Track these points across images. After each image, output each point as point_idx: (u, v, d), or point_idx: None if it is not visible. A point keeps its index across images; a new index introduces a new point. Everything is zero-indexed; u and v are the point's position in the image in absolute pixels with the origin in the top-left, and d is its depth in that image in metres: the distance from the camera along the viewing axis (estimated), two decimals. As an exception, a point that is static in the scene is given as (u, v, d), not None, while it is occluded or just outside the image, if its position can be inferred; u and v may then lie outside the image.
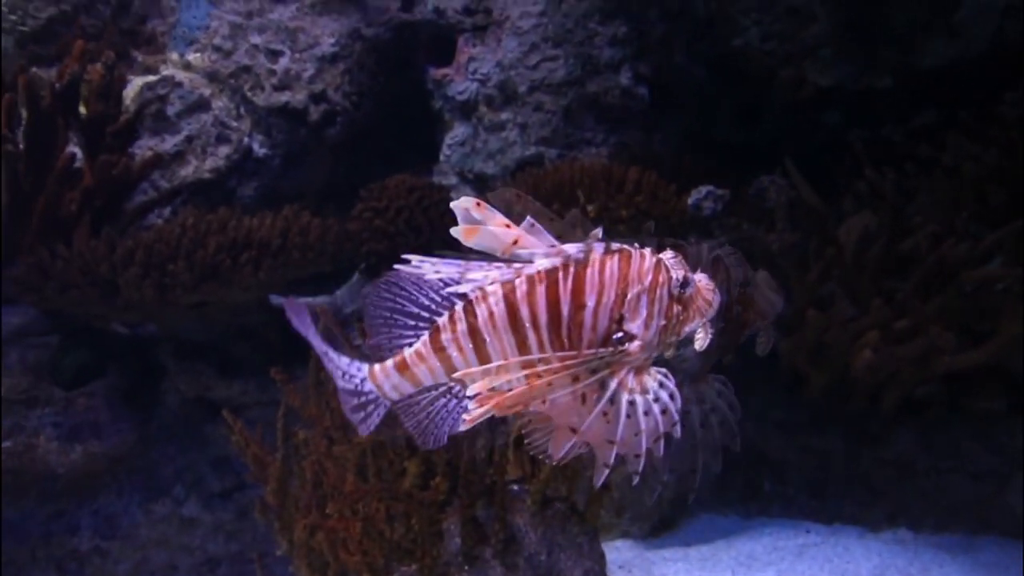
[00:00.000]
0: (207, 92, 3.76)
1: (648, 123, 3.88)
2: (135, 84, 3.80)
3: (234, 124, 3.74)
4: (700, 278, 1.45)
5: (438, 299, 1.49)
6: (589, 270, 1.38)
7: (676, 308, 1.42)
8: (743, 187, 3.93)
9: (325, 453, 2.17)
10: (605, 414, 1.38)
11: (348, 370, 1.58)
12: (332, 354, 1.61)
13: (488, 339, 1.42)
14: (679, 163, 3.90)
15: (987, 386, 3.58)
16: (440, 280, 1.42)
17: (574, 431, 1.39)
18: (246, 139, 3.74)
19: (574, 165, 3.14)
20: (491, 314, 1.41)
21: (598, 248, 1.40)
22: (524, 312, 1.40)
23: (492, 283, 1.40)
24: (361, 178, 3.90)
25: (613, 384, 1.38)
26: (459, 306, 1.43)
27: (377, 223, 3.34)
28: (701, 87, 4.14)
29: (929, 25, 4.23)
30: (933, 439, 3.61)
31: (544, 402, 1.38)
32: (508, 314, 1.40)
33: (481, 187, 3.71)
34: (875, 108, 4.30)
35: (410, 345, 1.49)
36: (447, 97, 3.78)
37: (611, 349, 1.38)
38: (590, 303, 1.38)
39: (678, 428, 1.38)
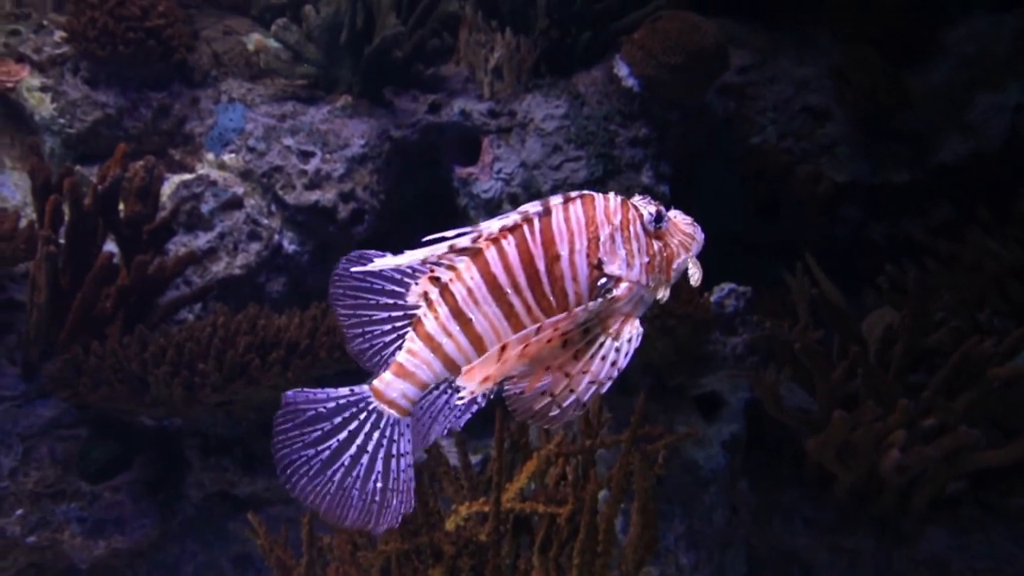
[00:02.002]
0: (240, 191, 3.88)
1: (669, 220, 3.93)
2: (172, 182, 3.93)
3: (265, 221, 3.85)
4: (675, 213, 1.42)
5: (402, 287, 1.39)
6: (554, 219, 1.33)
7: (656, 244, 1.37)
8: (764, 283, 3.97)
9: (349, 559, 2.16)
10: (577, 354, 1.31)
11: (341, 402, 1.43)
12: (321, 394, 1.46)
13: (473, 316, 1.34)
14: (700, 259, 3.94)
15: (1020, 483, 3.52)
16: (399, 268, 1.34)
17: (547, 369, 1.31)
18: (276, 236, 3.84)
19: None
20: (469, 290, 1.34)
21: (555, 198, 1.35)
22: (502, 278, 1.33)
23: (457, 252, 1.33)
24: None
25: (605, 341, 1.32)
26: (435, 293, 1.36)
27: (403, 320, 3.39)
28: (721, 183, 4.23)
29: (943, 123, 4.33)
30: (967, 539, 3.53)
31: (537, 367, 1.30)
32: (487, 284, 1.33)
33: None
34: (893, 203, 4.36)
35: (391, 342, 1.42)
36: (472, 195, 3.88)
37: (600, 300, 1.32)
38: (563, 252, 1.33)
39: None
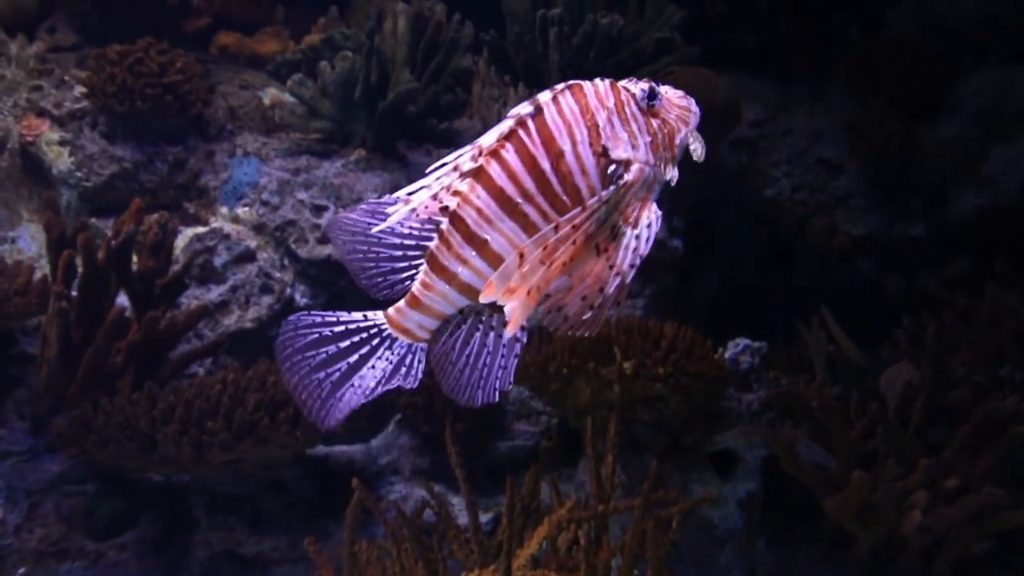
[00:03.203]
0: (253, 244, 3.89)
1: (683, 273, 3.92)
2: (186, 235, 3.95)
3: (277, 275, 3.85)
4: (665, 89, 1.36)
5: (413, 223, 1.34)
6: (547, 116, 1.28)
7: (654, 122, 1.32)
8: (781, 335, 3.92)
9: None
10: (601, 249, 1.26)
11: (359, 326, 1.39)
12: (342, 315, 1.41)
13: (489, 237, 1.29)
14: (714, 313, 3.92)
15: (1047, 544, 3.42)
16: (405, 196, 1.29)
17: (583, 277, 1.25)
18: (289, 289, 3.84)
19: (610, 322, 3.16)
20: (479, 211, 1.29)
21: (543, 94, 1.30)
22: (510, 189, 1.27)
23: (459, 175, 1.28)
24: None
25: (626, 229, 1.27)
26: (445, 222, 1.30)
27: (414, 375, 3.36)
28: (735, 236, 4.21)
29: (958, 176, 4.31)
30: (993, 602, 3.42)
31: (567, 272, 1.24)
32: (496, 200, 1.28)
33: (517, 338, 3.74)
34: (909, 256, 4.33)
35: (403, 275, 1.37)
36: (484, 249, 3.87)
37: (612, 188, 1.27)
38: (566, 147, 1.28)
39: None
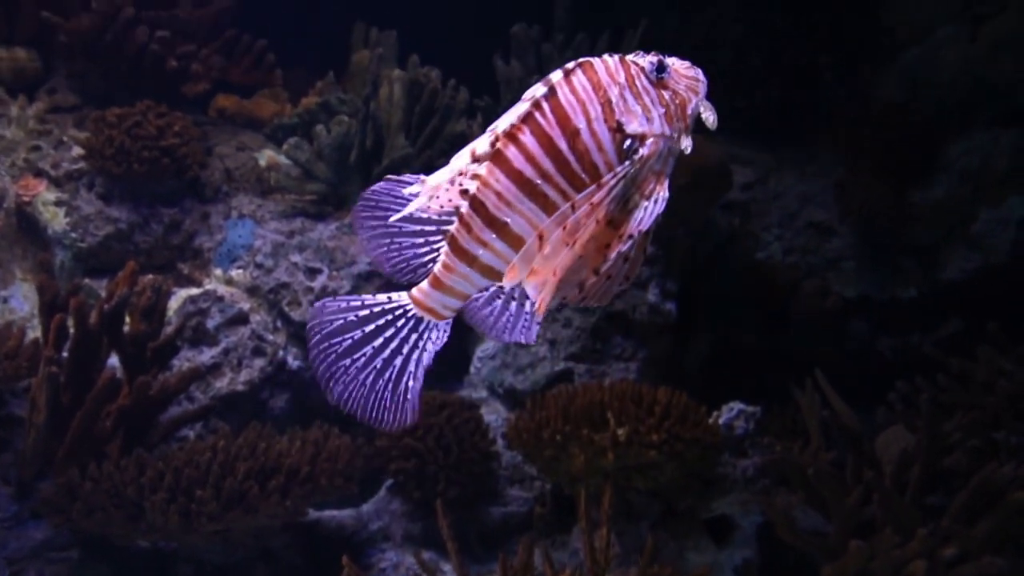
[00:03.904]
0: (246, 306, 3.89)
1: (677, 336, 3.92)
2: (179, 296, 3.95)
3: (270, 337, 3.84)
4: (673, 60, 1.35)
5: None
6: (561, 96, 1.28)
7: (666, 94, 1.32)
8: (775, 396, 3.91)
9: None
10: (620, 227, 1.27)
11: (384, 308, 1.40)
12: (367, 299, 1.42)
13: (509, 219, 1.29)
14: (708, 375, 3.91)
15: (1049, 613, 3.36)
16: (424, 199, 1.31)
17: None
18: (281, 352, 3.83)
19: (603, 387, 3.15)
20: (498, 194, 1.28)
21: (555, 74, 1.29)
22: (528, 171, 1.27)
23: (476, 160, 1.28)
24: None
25: (637, 199, 1.27)
26: (464, 206, 1.30)
27: (406, 441, 3.34)
28: (728, 298, 4.22)
29: (948, 238, 4.35)
30: (996, 673, 3.35)
31: (591, 249, 1.25)
32: (515, 183, 1.28)
33: (511, 401, 3.72)
34: (901, 317, 4.34)
35: (425, 259, 1.38)
36: (478, 311, 3.87)
37: (629, 162, 1.27)
38: (581, 125, 1.27)
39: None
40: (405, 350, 1.41)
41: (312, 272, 3.86)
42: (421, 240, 1.39)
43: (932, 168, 4.44)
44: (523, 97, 1.27)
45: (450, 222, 1.35)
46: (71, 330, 3.28)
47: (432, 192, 1.31)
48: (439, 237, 1.37)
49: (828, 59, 4.82)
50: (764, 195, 4.39)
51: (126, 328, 3.40)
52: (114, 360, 3.43)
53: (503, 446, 3.54)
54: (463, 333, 4.06)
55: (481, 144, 1.28)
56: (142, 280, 3.65)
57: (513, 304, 1.40)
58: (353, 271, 3.88)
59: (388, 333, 1.42)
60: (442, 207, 1.33)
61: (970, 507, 3.21)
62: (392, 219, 1.37)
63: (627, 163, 1.27)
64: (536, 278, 1.25)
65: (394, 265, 1.43)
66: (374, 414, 1.45)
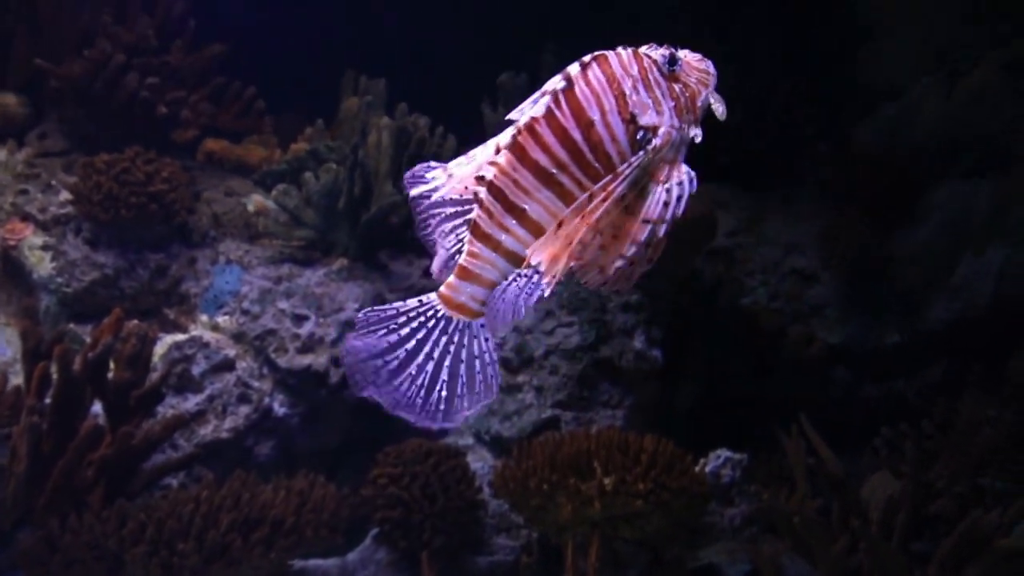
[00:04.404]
0: (232, 353, 3.88)
1: (663, 383, 3.94)
2: (165, 342, 3.93)
3: (256, 384, 3.83)
4: (684, 53, 1.40)
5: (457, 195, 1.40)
6: (577, 88, 1.33)
7: (676, 86, 1.37)
8: (762, 441, 3.91)
9: None
10: (635, 211, 1.32)
11: (414, 312, 1.42)
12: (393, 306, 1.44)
13: (527, 206, 1.35)
14: (695, 421, 3.92)
15: (1037, 661, 3.35)
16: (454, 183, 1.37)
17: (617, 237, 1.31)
18: (267, 399, 3.81)
19: (590, 435, 3.15)
20: (515, 181, 1.34)
21: (572, 67, 1.35)
22: (544, 160, 1.33)
23: (499, 152, 1.34)
24: (379, 433, 3.91)
25: (658, 188, 1.32)
26: (484, 192, 1.36)
27: (392, 490, 3.32)
28: (714, 345, 4.25)
29: (930, 285, 4.41)
30: None
31: (603, 234, 1.31)
32: (531, 171, 1.34)
33: (498, 449, 3.71)
34: (885, 363, 4.38)
35: (452, 250, 1.42)
36: (465, 358, 3.88)
37: (642, 153, 1.32)
38: (595, 116, 1.33)
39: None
40: (436, 354, 1.44)
41: (299, 319, 3.86)
42: (449, 226, 1.44)
43: (913, 217, 4.53)
44: (542, 89, 1.34)
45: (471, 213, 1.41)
46: (54, 376, 3.26)
47: (458, 183, 1.39)
48: (465, 227, 1.43)
49: (810, 112, 4.93)
50: (749, 242, 4.44)
51: (110, 375, 3.38)
52: (98, 407, 3.40)
53: (489, 494, 3.52)
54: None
55: (504, 139, 1.36)
56: (127, 326, 3.63)
57: (522, 280, 1.41)
58: (340, 318, 3.88)
59: (420, 336, 1.44)
60: (461, 194, 1.40)
61: (956, 554, 3.21)
62: (412, 192, 1.42)
63: (640, 153, 1.33)
64: (555, 260, 1.32)
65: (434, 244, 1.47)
66: (416, 416, 1.48)
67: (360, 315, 1.47)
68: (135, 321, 3.87)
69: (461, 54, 5.11)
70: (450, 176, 1.39)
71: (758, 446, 3.90)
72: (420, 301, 1.45)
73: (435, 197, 1.41)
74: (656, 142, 1.33)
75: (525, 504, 3.12)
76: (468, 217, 1.40)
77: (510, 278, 1.39)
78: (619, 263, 1.34)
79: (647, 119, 1.34)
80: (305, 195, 4.08)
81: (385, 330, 1.44)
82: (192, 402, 3.76)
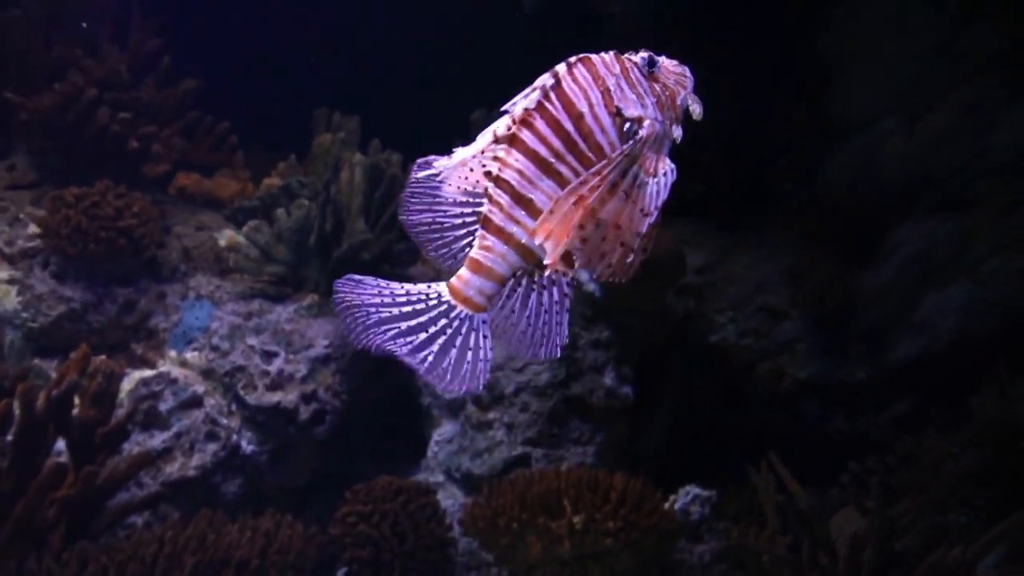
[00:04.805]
0: (201, 389, 3.84)
1: (634, 419, 3.95)
2: (132, 378, 3.89)
3: (224, 421, 3.79)
4: (663, 58, 1.52)
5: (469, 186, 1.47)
6: (565, 85, 1.44)
7: (656, 86, 1.49)
8: (733, 475, 3.93)
9: None
10: (631, 197, 1.42)
11: (419, 297, 1.47)
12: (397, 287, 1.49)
13: (533, 196, 1.44)
14: (666, 458, 3.93)
15: None
16: (459, 163, 1.45)
17: (619, 226, 1.40)
18: (235, 436, 3.77)
19: (560, 473, 3.16)
20: (520, 172, 1.44)
21: (560, 67, 1.45)
22: (543, 151, 1.43)
23: (497, 142, 1.44)
24: (348, 470, 3.88)
25: (641, 175, 1.43)
26: (491, 186, 1.45)
27: (361, 528, 3.29)
28: (684, 381, 4.28)
29: (894, 322, 4.48)
30: None
31: (603, 225, 1.40)
32: (533, 162, 1.44)
33: (468, 486, 3.69)
34: (852, 399, 4.43)
35: (463, 242, 1.49)
36: (435, 395, 3.88)
37: (631, 143, 1.43)
38: (584, 109, 1.44)
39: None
40: (432, 330, 1.48)
41: (269, 355, 3.84)
42: (459, 221, 1.52)
43: (878, 254, 4.60)
44: (532, 86, 1.44)
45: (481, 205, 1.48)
46: (16, 413, 3.21)
47: (460, 164, 1.46)
48: (474, 220, 1.50)
49: (780, 146, 5.02)
50: (718, 279, 4.50)
51: (75, 412, 3.33)
52: (61, 444, 3.35)
53: (460, 532, 3.50)
54: (420, 418, 4.04)
55: (500, 127, 1.46)
56: (94, 362, 3.59)
57: (542, 294, 1.49)
58: (310, 354, 3.87)
59: (423, 319, 1.49)
60: (468, 188, 1.48)
61: (923, 592, 3.24)
62: (417, 175, 1.50)
63: (629, 143, 1.45)
64: (554, 237, 1.40)
65: (436, 248, 1.54)
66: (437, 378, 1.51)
67: (350, 278, 1.51)
68: (102, 357, 3.83)
69: (435, 91, 5.16)
70: (453, 159, 1.47)
71: (729, 480, 3.92)
72: (429, 287, 1.51)
73: (440, 176, 1.48)
74: (642, 132, 1.45)
75: (495, 543, 3.11)
76: (476, 210, 1.48)
77: (520, 287, 1.48)
78: (620, 251, 1.43)
79: (631, 111, 1.46)
80: (277, 231, 4.08)
81: (390, 300, 1.49)
82: (159, 439, 3.71)
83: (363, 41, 5.59)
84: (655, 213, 1.43)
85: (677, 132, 1.50)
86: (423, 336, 1.48)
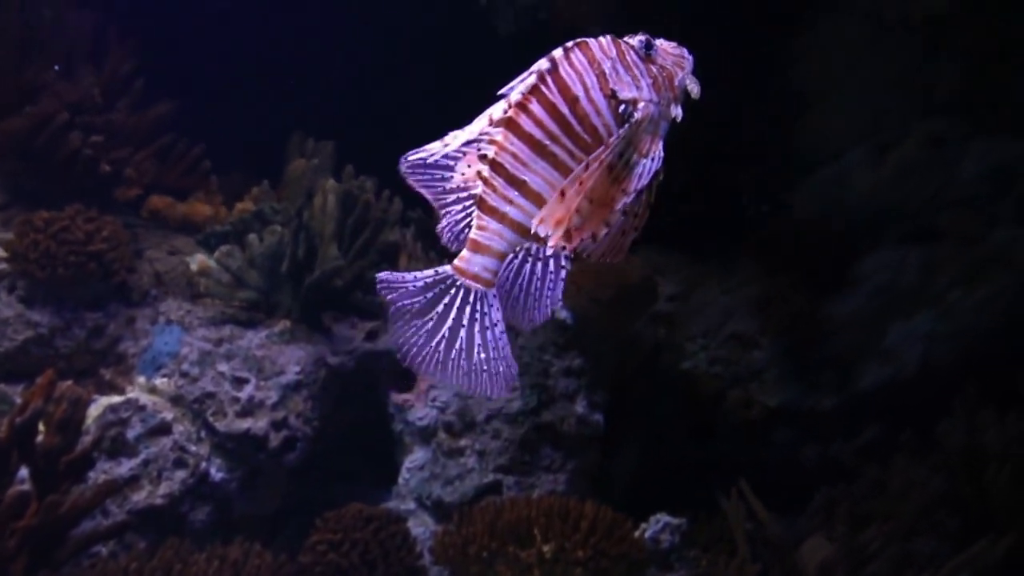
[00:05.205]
0: (169, 416, 3.80)
1: (605, 447, 3.96)
2: (99, 404, 3.83)
3: (193, 449, 3.75)
4: (660, 41, 1.54)
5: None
6: (561, 69, 1.47)
7: (653, 68, 1.51)
8: (704, 502, 3.94)
9: None
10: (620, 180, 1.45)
11: (429, 281, 1.50)
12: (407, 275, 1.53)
13: (527, 178, 1.47)
14: (637, 485, 3.94)
15: None
16: (450, 149, 1.48)
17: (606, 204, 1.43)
18: (204, 463, 3.73)
19: (530, 501, 3.16)
20: (514, 155, 1.47)
21: (556, 51, 1.48)
22: (538, 134, 1.47)
23: (494, 125, 1.47)
24: (319, 497, 3.85)
25: (635, 156, 1.46)
26: (486, 169, 1.48)
27: (331, 557, 3.26)
28: (655, 409, 4.30)
29: (862, 350, 4.54)
30: None
31: (592, 202, 1.43)
32: (527, 145, 1.47)
33: (439, 514, 3.68)
34: (822, 426, 4.47)
35: (463, 218, 1.52)
36: (407, 422, 3.87)
37: (626, 126, 1.46)
38: (579, 93, 1.47)
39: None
40: (465, 322, 1.53)
41: (239, 382, 3.81)
42: (460, 206, 1.55)
43: (845, 283, 4.67)
44: (529, 70, 1.47)
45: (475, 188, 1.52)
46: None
47: (456, 144, 1.51)
48: (472, 203, 1.54)
49: (750, 175, 5.08)
50: (689, 307, 4.54)
51: (39, 439, 3.28)
52: (24, 471, 3.29)
53: (430, 561, 3.48)
54: (391, 444, 4.03)
55: (496, 111, 1.48)
56: (60, 387, 3.54)
57: (536, 264, 1.53)
58: (281, 381, 3.84)
59: (445, 301, 1.53)
60: (468, 181, 1.52)
61: (890, 619, 3.26)
62: (410, 158, 1.55)
63: (625, 126, 1.48)
64: (559, 225, 1.45)
65: (449, 228, 1.58)
66: (452, 378, 1.56)
67: (382, 275, 1.57)
68: (69, 383, 3.77)
69: (412, 117, 5.18)
70: (446, 145, 1.51)
71: (699, 509, 3.93)
72: (436, 271, 1.55)
73: (432, 160, 1.52)
74: (637, 115, 1.48)
75: (465, 571, 3.10)
76: (474, 193, 1.52)
77: (516, 259, 1.51)
78: (606, 230, 1.48)
79: (626, 93, 1.49)
80: (249, 256, 4.06)
81: (408, 290, 1.54)
82: (126, 467, 3.66)
83: (338, 66, 5.61)
84: (632, 194, 1.47)
85: (676, 111, 1.53)
86: (458, 330, 1.51)
